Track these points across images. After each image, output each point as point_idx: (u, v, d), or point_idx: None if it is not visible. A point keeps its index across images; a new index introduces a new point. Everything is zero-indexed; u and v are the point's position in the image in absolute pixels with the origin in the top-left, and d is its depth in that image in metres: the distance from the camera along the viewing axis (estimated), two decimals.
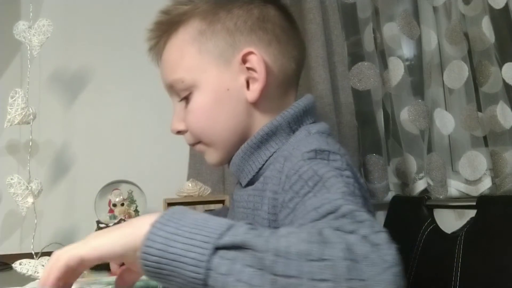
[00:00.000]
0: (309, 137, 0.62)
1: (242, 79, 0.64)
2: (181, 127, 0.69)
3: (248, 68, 0.64)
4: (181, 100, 0.67)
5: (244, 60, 0.64)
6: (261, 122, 0.65)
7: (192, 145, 0.70)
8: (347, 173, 0.52)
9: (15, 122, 1.11)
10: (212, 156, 0.69)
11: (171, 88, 0.68)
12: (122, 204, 1.18)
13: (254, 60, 0.63)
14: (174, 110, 0.70)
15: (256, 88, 0.64)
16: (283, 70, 0.67)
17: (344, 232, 0.37)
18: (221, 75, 0.64)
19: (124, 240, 0.42)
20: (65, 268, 0.43)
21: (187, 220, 0.40)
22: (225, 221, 0.39)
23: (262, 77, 0.63)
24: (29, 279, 0.95)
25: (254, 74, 0.64)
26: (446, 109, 1.44)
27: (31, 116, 1.13)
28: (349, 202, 0.44)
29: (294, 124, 0.64)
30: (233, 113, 0.65)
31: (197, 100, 0.65)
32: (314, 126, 0.65)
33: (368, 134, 1.42)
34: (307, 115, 0.66)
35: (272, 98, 0.66)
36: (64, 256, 0.43)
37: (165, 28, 0.68)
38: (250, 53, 0.63)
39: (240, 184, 0.69)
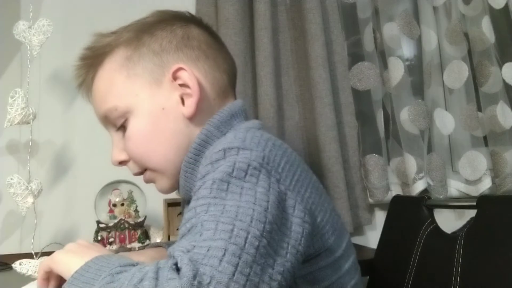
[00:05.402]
0: (232, 133, 0.60)
1: (176, 96, 0.64)
2: (122, 157, 0.66)
3: (181, 85, 0.64)
4: (118, 129, 0.66)
5: (175, 77, 0.64)
6: None
7: (138, 174, 0.68)
8: (253, 171, 0.49)
9: (15, 122, 1.11)
10: (162, 182, 0.67)
11: (106, 119, 0.66)
12: (122, 204, 1.18)
13: (185, 76, 0.63)
14: (113, 141, 0.68)
15: (191, 103, 0.63)
16: (216, 83, 0.67)
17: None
18: (154, 96, 0.63)
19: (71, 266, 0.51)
20: (43, 273, 0.57)
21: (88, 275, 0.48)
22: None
23: (196, 91, 0.63)
24: (29, 279, 0.95)
25: (187, 90, 0.63)
26: (446, 109, 1.44)
27: (31, 116, 1.13)
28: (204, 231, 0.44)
29: (224, 127, 0.63)
30: (173, 131, 0.64)
31: (134, 125, 0.64)
32: (243, 123, 0.64)
33: (368, 134, 1.42)
34: (235, 117, 0.64)
35: (209, 111, 0.65)
36: (43, 263, 0.57)
37: (91, 62, 0.68)
38: (180, 69, 0.63)
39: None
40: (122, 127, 0.65)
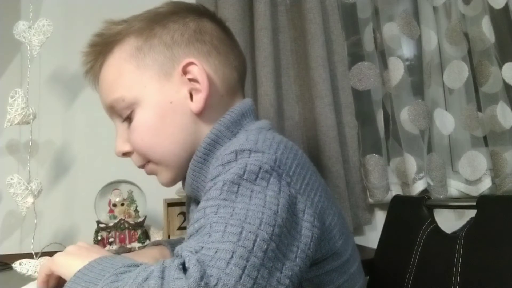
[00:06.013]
0: (244, 134, 0.59)
1: (184, 91, 0.63)
2: (126, 148, 0.66)
3: (190, 80, 0.63)
4: (124, 120, 0.65)
5: (184, 72, 0.63)
6: None
7: (142, 166, 0.67)
8: (264, 174, 0.49)
9: (15, 122, 1.11)
10: (164, 175, 0.66)
11: (112, 109, 0.66)
12: (122, 204, 1.18)
13: (195, 71, 0.62)
14: (117, 132, 0.67)
15: (199, 98, 0.62)
16: (226, 79, 0.66)
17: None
18: (163, 89, 0.63)
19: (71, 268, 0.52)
20: (44, 275, 0.57)
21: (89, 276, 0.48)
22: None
23: (205, 86, 0.62)
24: (29, 279, 0.95)
25: (197, 85, 0.63)
26: (446, 109, 1.44)
27: (31, 116, 1.13)
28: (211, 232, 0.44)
29: (235, 128, 0.62)
30: (179, 126, 0.63)
31: (140, 117, 0.63)
32: (254, 124, 0.64)
33: (368, 134, 1.42)
34: (245, 117, 0.64)
35: (218, 108, 0.64)
36: (44, 265, 0.57)
37: (100, 50, 0.67)
38: (191, 63, 0.63)
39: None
40: (128, 119, 0.65)
